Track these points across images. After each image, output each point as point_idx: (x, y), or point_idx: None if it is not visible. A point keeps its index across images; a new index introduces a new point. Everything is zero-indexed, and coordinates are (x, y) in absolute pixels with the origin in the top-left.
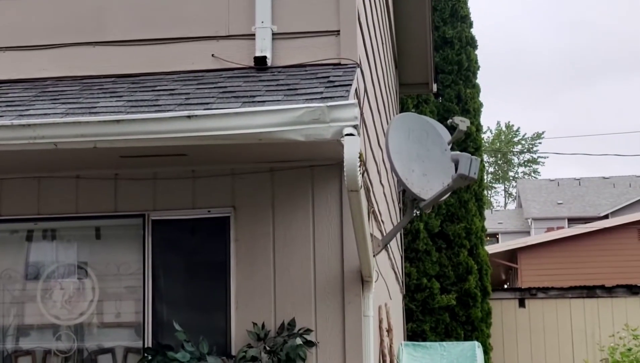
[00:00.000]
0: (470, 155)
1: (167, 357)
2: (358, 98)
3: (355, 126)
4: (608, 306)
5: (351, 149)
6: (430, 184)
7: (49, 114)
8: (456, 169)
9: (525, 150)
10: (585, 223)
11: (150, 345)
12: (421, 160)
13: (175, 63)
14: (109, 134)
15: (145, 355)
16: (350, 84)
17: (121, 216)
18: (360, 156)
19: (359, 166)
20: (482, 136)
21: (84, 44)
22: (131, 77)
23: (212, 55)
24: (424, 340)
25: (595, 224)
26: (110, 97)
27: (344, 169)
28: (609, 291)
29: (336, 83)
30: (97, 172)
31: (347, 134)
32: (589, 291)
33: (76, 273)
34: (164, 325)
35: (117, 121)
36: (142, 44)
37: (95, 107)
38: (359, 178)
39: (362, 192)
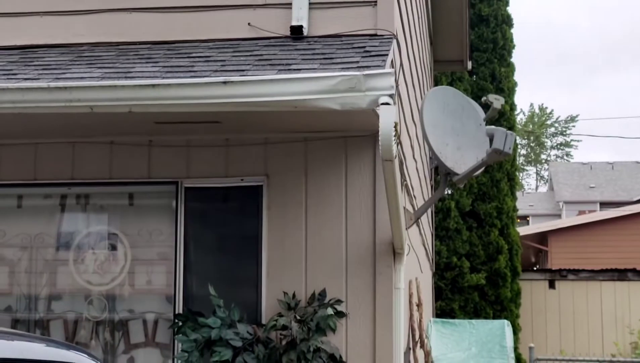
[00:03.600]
0: (505, 130)
1: (197, 323)
2: (394, 69)
3: (391, 95)
4: (639, 290)
5: (387, 118)
6: (464, 158)
7: (85, 78)
8: (491, 144)
9: (558, 133)
10: (618, 207)
11: (181, 312)
12: (456, 134)
13: (211, 31)
14: (145, 98)
15: (176, 321)
16: (387, 54)
17: (154, 183)
18: (396, 126)
19: (394, 136)
20: (516, 117)
21: (120, 10)
22: (167, 44)
23: (249, 24)
24: (453, 318)
25: (627, 209)
26: (146, 63)
27: (379, 138)
28: None
29: (372, 53)
30: (132, 138)
31: (382, 103)
32: (620, 274)
33: (108, 238)
34: (194, 292)
35: (153, 86)
36: (178, 11)
37: (131, 72)
38: (394, 147)
39: (396, 162)
